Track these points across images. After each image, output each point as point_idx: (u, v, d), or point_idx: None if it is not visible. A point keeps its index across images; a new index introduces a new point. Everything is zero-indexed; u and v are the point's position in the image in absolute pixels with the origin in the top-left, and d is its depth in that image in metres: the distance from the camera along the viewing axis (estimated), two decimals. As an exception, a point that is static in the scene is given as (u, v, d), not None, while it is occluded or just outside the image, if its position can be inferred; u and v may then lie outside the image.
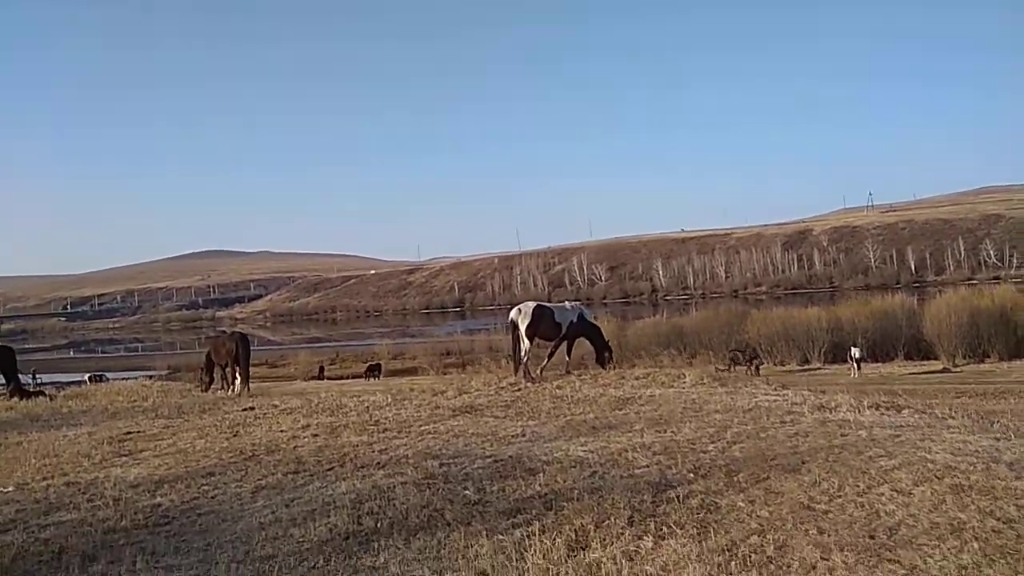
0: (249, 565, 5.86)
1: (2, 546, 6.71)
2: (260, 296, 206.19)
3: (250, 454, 9.66)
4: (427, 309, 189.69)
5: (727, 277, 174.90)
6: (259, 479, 8.38)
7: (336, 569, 5.65)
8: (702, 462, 7.25)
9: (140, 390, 18.32)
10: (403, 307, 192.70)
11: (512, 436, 9.50)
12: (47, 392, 19.58)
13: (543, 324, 15.18)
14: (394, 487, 7.56)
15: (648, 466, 7.33)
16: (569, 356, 16.11)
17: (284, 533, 6.57)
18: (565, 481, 7.13)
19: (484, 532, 6.05)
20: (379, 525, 6.50)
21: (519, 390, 13.45)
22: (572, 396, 12.06)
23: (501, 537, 5.95)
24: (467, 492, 7.12)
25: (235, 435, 11.22)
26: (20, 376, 21.15)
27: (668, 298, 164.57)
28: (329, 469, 8.59)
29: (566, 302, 16.87)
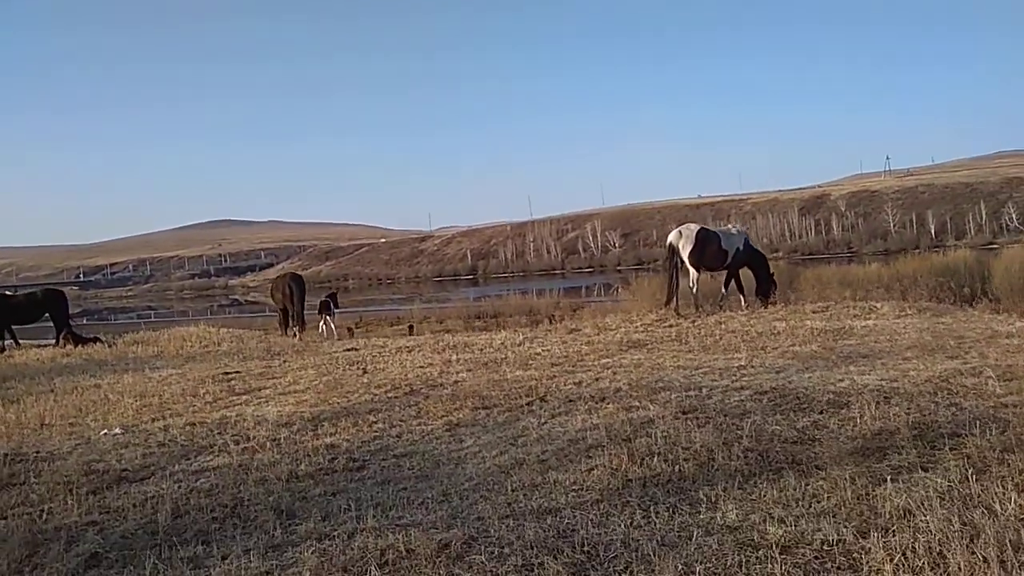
0: (531, 522, 4.02)
1: (149, 499, 4.88)
2: (271, 265, 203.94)
3: (408, 389, 7.86)
4: (439, 277, 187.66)
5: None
6: (443, 416, 6.57)
7: (658, 525, 3.87)
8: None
9: (207, 335, 16.48)
10: (415, 275, 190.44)
11: (737, 368, 7.65)
12: (103, 338, 17.74)
13: (708, 250, 13.19)
14: (652, 420, 5.70)
15: (1014, 394, 5.43)
16: (726, 289, 14.13)
17: (543, 479, 4.74)
18: (909, 413, 5.25)
19: (853, 476, 4.18)
20: (679, 468, 4.64)
21: (672, 325, 11.54)
22: (755, 330, 10.14)
23: (879, 486, 4.08)
24: (775, 428, 5.24)
25: (365, 372, 9.38)
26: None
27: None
28: (528, 403, 6.76)
29: (730, 226, 14.77)
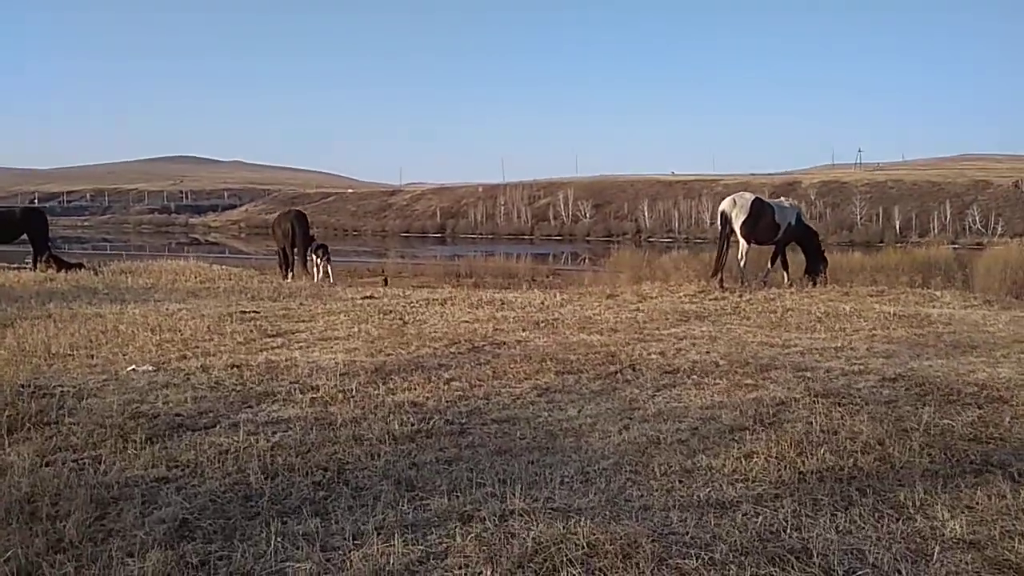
0: (714, 518, 3.38)
1: (226, 452, 4.12)
2: (234, 206, 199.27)
3: (469, 345, 7.11)
4: (407, 233, 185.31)
5: (711, 223, 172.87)
6: (526, 378, 5.87)
7: (870, 532, 3.28)
8: None
9: (200, 271, 15.44)
10: (382, 229, 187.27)
11: (835, 349, 7.00)
12: (86, 264, 16.51)
13: (761, 222, 12.53)
14: (785, 403, 5.07)
15: None
16: (772, 264, 13.52)
17: (693, 464, 4.08)
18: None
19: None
20: (855, 462, 4.03)
21: (719, 298, 10.92)
22: (817, 310, 9.53)
23: None
24: (945, 422, 4.66)
25: (405, 323, 8.59)
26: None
27: (652, 240, 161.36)
28: (618, 371, 6.09)
29: (783, 199, 14.13)
